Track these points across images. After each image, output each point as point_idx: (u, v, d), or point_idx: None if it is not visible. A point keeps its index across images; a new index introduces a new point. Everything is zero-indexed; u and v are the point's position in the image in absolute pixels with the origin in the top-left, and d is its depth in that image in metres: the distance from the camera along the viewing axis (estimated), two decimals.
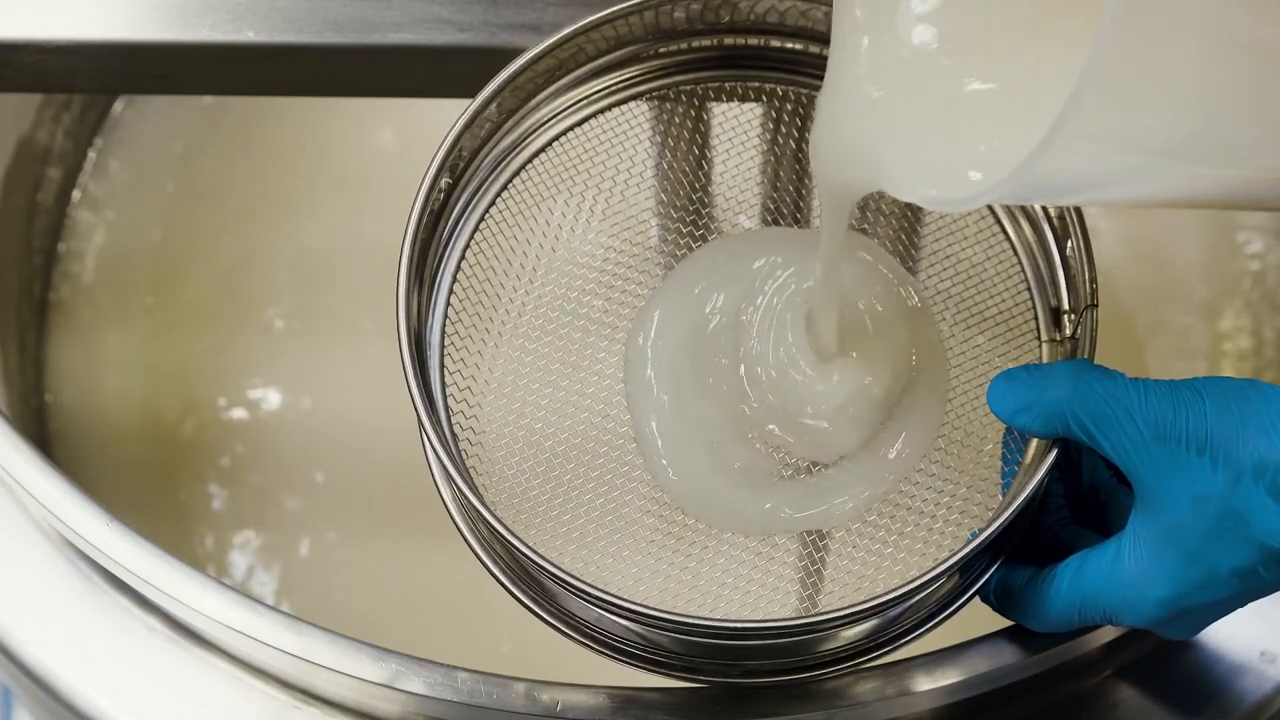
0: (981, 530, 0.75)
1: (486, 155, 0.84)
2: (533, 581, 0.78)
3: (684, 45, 0.86)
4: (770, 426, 0.81)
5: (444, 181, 0.82)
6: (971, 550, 0.75)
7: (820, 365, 0.81)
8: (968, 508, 0.81)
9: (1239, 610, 0.75)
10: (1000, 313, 0.83)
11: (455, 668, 0.82)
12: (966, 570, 0.78)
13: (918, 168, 0.72)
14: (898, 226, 0.87)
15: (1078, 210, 0.80)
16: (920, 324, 0.83)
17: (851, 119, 0.74)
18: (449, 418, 0.80)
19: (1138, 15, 0.59)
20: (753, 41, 0.86)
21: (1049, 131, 0.60)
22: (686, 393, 0.82)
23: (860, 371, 0.81)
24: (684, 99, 0.87)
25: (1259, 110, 0.65)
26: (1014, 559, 0.78)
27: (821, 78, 0.86)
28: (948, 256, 0.85)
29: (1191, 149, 0.65)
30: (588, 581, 0.73)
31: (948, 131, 0.72)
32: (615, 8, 0.82)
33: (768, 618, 0.78)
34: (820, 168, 0.77)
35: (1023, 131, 0.62)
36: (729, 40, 0.86)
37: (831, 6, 0.83)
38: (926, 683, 0.81)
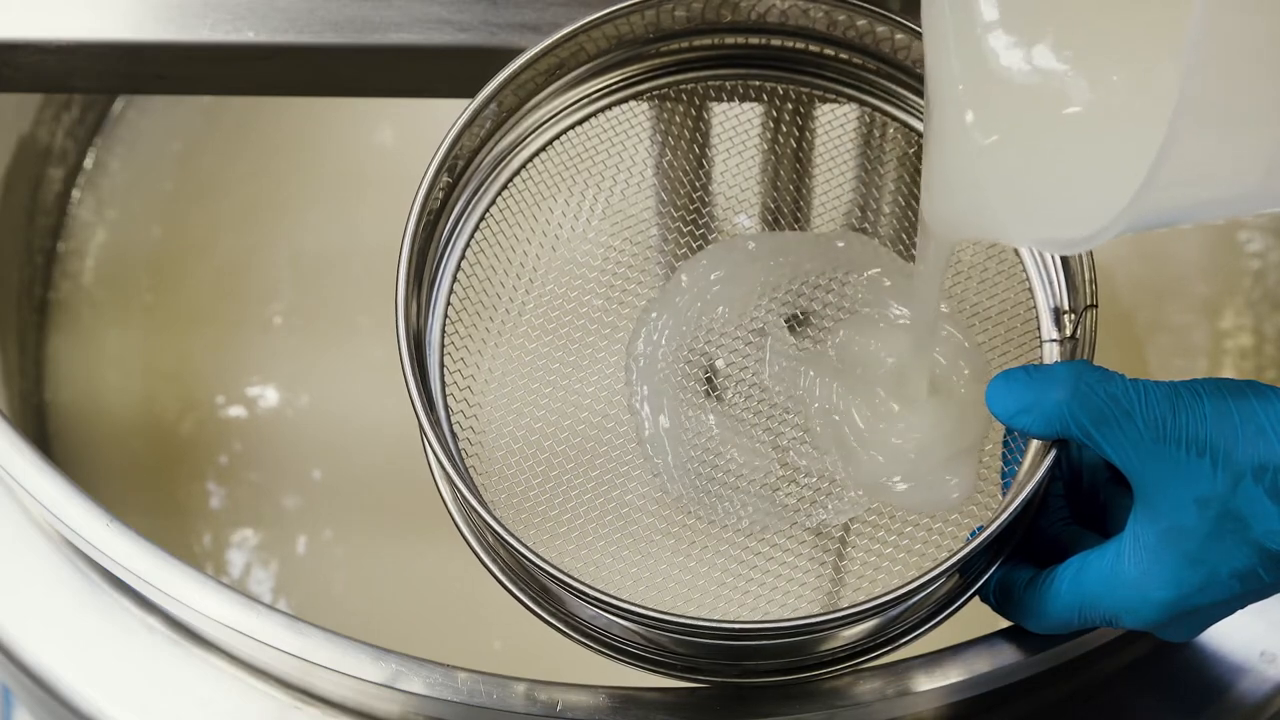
0: (981, 530, 0.75)
1: (486, 154, 0.84)
2: (532, 581, 0.78)
3: (685, 44, 0.86)
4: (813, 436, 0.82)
5: (444, 180, 0.82)
6: (971, 550, 0.74)
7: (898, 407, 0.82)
8: (968, 508, 0.80)
9: (1239, 610, 0.75)
10: (1001, 312, 0.83)
11: (455, 668, 0.82)
12: (966, 570, 0.78)
13: (1032, 214, 0.72)
14: (898, 226, 0.87)
15: None
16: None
17: (961, 171, 0.74)
18: (449, 417, 0.80)
19: (1223, 40, 0.58)
20: (754, 41, 0.86)
21: (1149, 174, 0.60)
22: (690, 393, 0.82)
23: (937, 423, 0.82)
24: (684, 98, 0.87)
25: None
26: (1014, 560, 0.78)
27: (822, 77, 0.87)
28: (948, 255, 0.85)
29: None
30: (587, 582, 0.73)
31: (1058, 174, 0.72)
32: (616, 6, 0.82)
33: (767, 618, 0.78)
34: (935, 224, 0.77)
35: (1135, 167, 0.62)
36: (730, 39, 0.86)
37: (831, 7, 0.83)
38: (926, 683, 0.81)
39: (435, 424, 0.76)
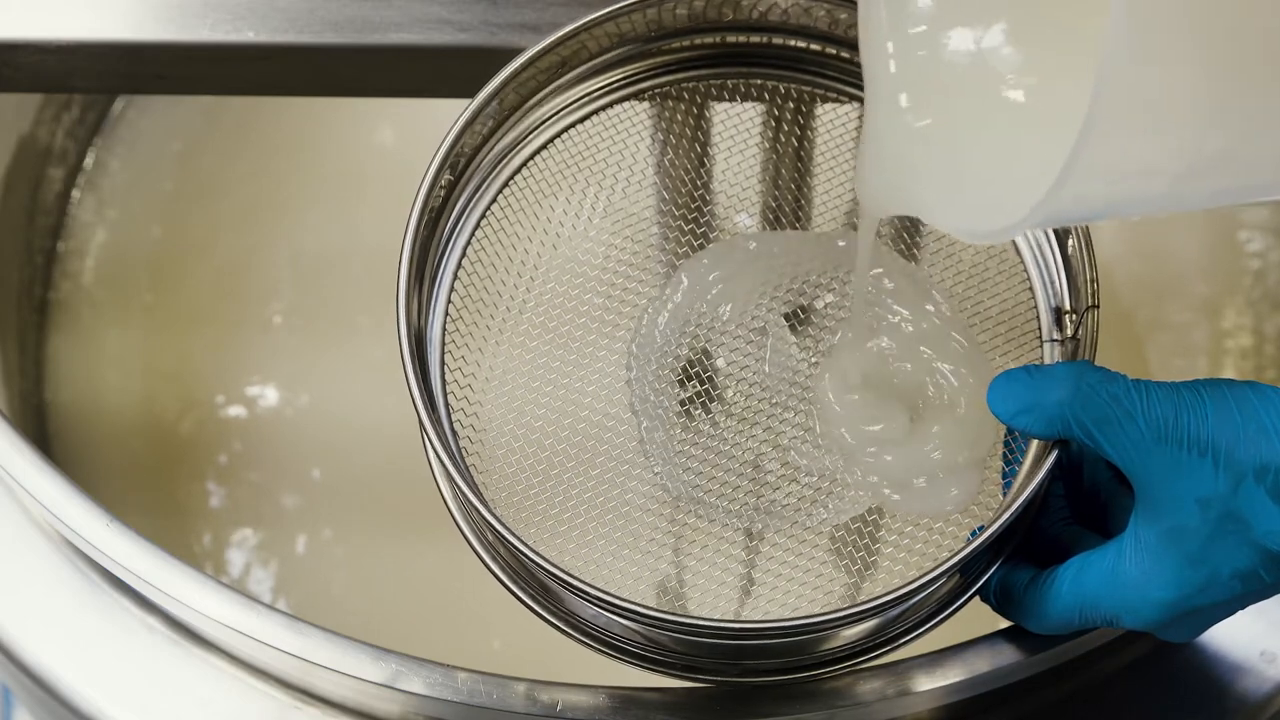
0: (982, 530, 0.75)
1: (488, 153, 0.84)
2: (532, 580, 0.78)
3: (686, 43, 0.86)
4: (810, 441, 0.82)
5: (445, 178, 0.81)
6: (972, 550, 0.74)
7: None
8: (969, 508, 0.80)
9: (1239, 611, 0.75)
10: (1002, 312, 0.83)
11: (455, 668, 0.82)
12: (967, 570, 0.78)
13: (955, 200, 0.72)
14: (899, 225, 0.87)
15: None
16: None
17: (892, 152, 0.75)
18: (449, 416, 0.80)
19: (1139, 44, 0.58)
20: (755, 39, 0.86)
21: (1060, 174, 0.60)
22: (690, 392, 0.82)
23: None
24: (685, 97, 0.87)
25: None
26: (1014, 560, 0.78)
27: (824, 76, 0.87)
28: (949, 255, 0.85)
29: (1222, 165, 0.64)
30: (587, 581, 0.73)
31: (982, 163, 0.72)
32: (617, 5, 0.82)
33: (768, 617, 0.78)
34: (866, 198, 0.78)
35: (1050, 164, 0.62)
36: (731, 38, 0.86)
37: (833, 5, 0.83)
38: (926, 683, 0.81)
39: (436, 421, 0.76)
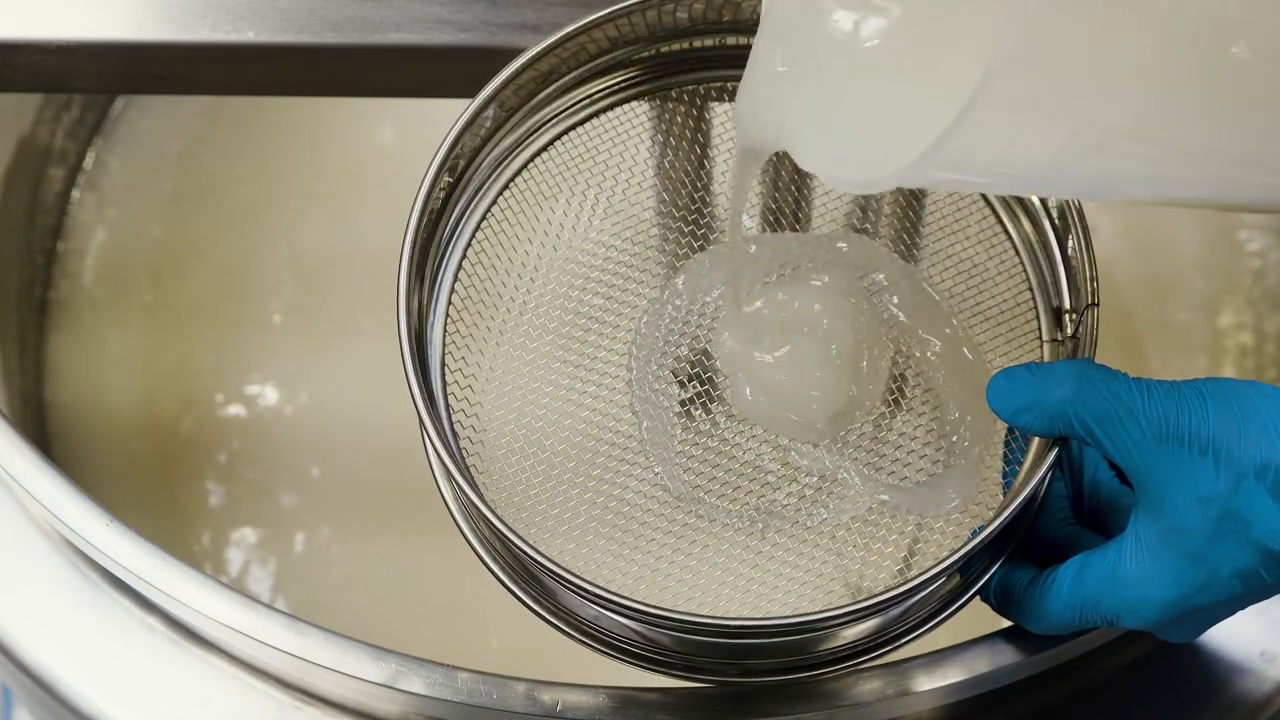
0: (982, 529, 0.75)
1: (488, 154, 0.84)
2: (532, 579, 0.78)
3: (685, 44, 0.86)
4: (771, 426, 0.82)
5: (445, 180, 0.81)
6: (972, 549, 0.74)
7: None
8: (968, 507, 0.80)
9: (1240, 610, 0.75)
10: (1002, 312, 0.83)
11: (455, 668, 0.82)
12: (967, 569, 0.78)
13: (826, 142, 0.72)
14: (899, 226, 0.87)
15: (1079, 208, 0.80)
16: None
17: (771, 81, 0.75)
18: (449, 416, 0.80)
19: (1036, 25, 0.58)
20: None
21: (939, 138, 0.60)
22: (690, 393, 0.82)
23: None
24: (685, 99, 0.87)
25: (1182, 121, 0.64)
26: (1014, 560, 0.78)
27: None
28: (949, 256, 0.85)
29: (1105, 151, 0.64)
30: (588, 579, 0.73)
31: (866, 108, 0.72)
32: (617, 6, 0.82)
33: (768, 616, 0.78)
34: (739, 121, 0.78)
35: (932, 116, 0.62)
36: (731, 39, 0.86)
37: None
38: (926, 683, 0.81)
39: (436, 421, 0.76)
